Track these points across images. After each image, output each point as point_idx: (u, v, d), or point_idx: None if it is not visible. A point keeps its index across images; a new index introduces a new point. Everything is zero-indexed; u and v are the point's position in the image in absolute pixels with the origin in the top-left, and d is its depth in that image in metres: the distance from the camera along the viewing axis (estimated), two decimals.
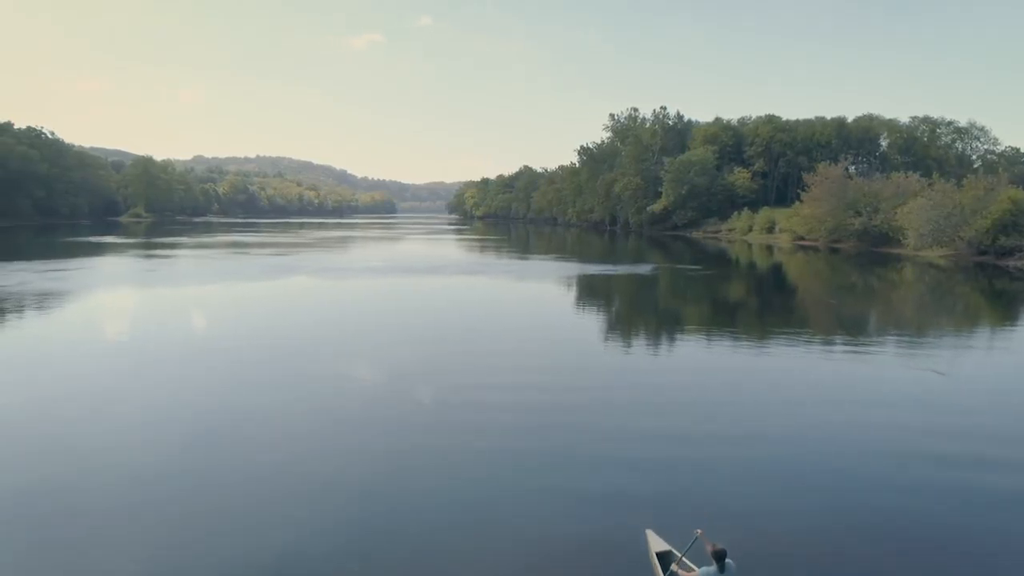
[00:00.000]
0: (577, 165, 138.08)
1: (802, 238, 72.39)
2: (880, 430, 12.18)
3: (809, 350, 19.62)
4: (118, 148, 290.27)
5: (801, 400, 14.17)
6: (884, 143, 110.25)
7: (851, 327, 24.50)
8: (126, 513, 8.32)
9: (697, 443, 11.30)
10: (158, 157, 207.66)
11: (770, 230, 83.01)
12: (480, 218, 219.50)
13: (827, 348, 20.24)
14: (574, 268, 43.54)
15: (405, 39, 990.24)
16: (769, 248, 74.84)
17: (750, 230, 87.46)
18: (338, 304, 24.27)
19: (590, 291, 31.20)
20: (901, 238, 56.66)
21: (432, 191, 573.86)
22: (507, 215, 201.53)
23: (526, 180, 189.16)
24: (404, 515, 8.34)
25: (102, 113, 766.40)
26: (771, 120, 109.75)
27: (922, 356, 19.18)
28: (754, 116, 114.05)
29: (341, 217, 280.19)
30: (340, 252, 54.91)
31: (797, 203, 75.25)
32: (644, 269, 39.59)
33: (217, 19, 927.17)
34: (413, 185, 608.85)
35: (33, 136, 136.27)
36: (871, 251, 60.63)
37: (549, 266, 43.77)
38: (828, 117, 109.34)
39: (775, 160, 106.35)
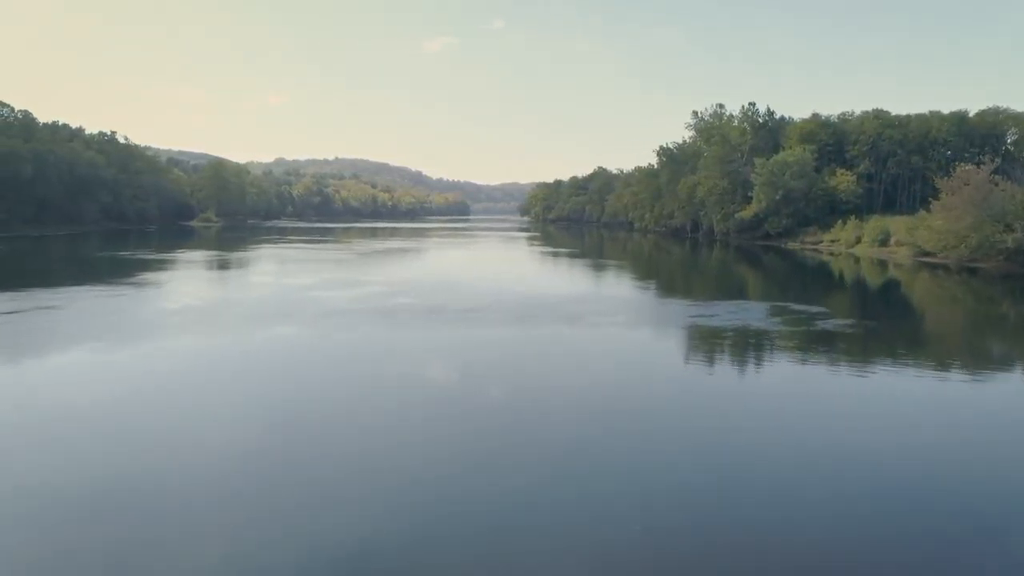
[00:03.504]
0: (655, 167, 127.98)
1: (927, 254, 60.93)
2: None
3: None
4: (205, 152, 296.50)
5: None
6: (1011, 139, 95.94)
7: None
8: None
9: None
10: (242, 160, 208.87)
11: (883, 243, 71.39)
12: (552, 221, 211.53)
13: None
14: (655, 307, 34.59)
15: (479, 41, 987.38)
16: (882, 264, 63.81)
17: (857, 242, 75.93)
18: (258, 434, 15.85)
19: (683, 397, 20.54)
20: None
21: (506, 192, 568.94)
22: (580, 218, 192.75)
23: (600, 182, 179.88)
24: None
25: (193, 119, 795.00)
26: (878, 115, 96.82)
27: None
28: (857, 111, 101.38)
29: (414, 219, 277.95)
30: (373, 274, 47.46)
31: (922, 212, 63.65)
32: (750, 315, 29.69)
33: (298, 25, 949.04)
34: (487, 186, 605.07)
35: (104, 141, 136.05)
36: (1022, 273, 49.41)
37: (622, 305, 34.64)
38: (945, 111, 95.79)
39: (883, 160, 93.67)
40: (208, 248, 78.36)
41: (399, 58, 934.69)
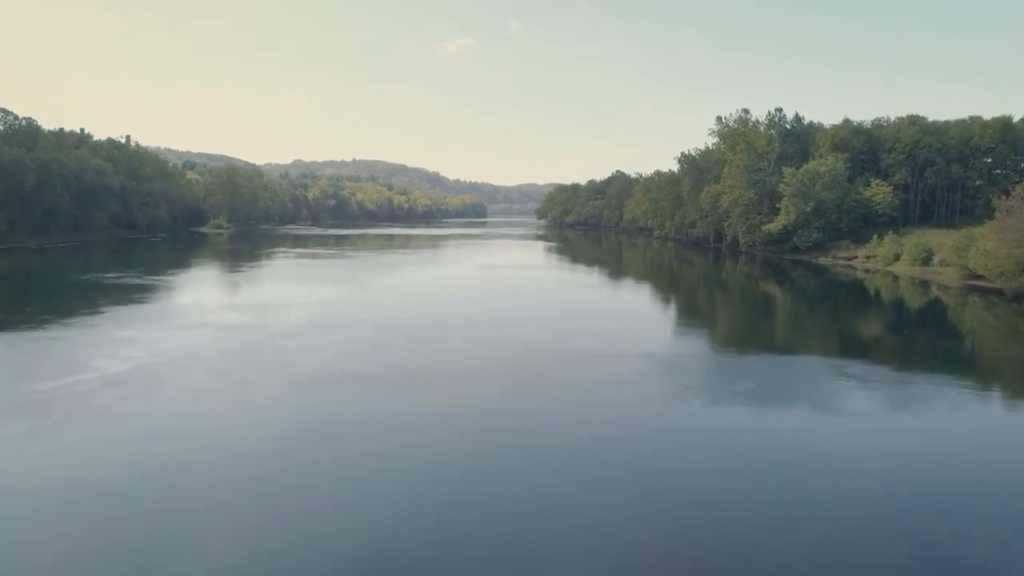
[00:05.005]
0: (676, 173, 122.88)
1: (976, 276, 55.78)
2: None
3: None
4: (224, 154, 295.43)
5: None
6: None
7: None
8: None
9: None
10: (260, 162, 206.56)
11: (925, 261, 66.11)
12: (569, 226, 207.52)
13: None
14: (681, 366, 29.67)
15: (496, 42, 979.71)
16: (925, 286, 58.88)
17: (896, 259, 70.65)
18: None
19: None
20: None
21: (523, 192, 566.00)
22: (598, 223, 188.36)
23: (619, 186, 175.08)
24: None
25: (212, 122, 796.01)
26: (915, 121, 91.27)
27: None
28: (892, 117, 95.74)
29: (430, 222, 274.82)
30: (368, 307, 43.19)
31: (969, 228, 58.48)
32: (796, 380, 25.24)
33: (316, 26, 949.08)
34: (504, 187, 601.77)
35: (113, 147, 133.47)
36: None
37: (642, 363, 29.42)
38: (986, 116, 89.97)
39: (920, 170, 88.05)
40: (204, 266, 74.60)
41: (417, 59, 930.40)
